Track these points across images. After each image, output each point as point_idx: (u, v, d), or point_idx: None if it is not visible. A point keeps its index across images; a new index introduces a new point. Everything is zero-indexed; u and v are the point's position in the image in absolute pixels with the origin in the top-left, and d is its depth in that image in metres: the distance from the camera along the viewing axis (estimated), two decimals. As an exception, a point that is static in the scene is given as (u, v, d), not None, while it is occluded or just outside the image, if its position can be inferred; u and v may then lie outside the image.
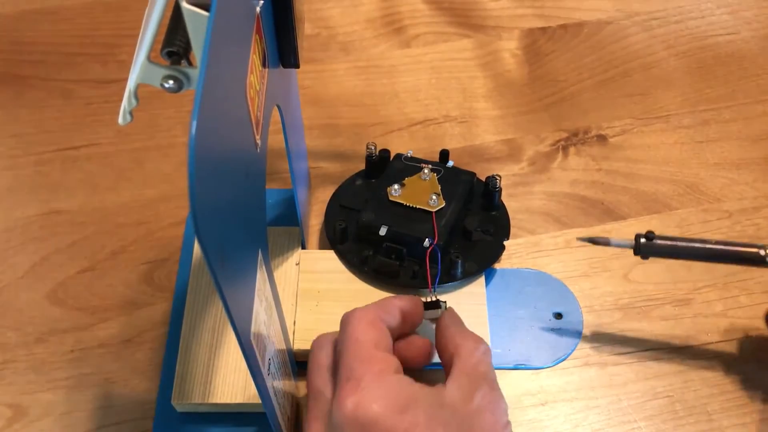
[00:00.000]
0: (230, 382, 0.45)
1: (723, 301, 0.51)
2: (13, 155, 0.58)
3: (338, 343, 0.39)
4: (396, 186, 0.50)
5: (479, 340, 0.41)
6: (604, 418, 0.46)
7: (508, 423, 0.38)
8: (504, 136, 0.60)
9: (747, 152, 0.59)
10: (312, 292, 0.49)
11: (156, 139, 0.59)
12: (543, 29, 0.68)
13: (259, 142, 0.35)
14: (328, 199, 0.54)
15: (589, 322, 0.50)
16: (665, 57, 0.66)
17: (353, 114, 0.62)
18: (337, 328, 0.41)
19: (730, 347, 0.49)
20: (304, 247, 0.52)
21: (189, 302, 0.48)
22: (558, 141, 0.60)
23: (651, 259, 0.52)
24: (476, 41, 0.67)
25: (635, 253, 0.44)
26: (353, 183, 0.55)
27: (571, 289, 0.51)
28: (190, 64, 0.33)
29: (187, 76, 0.33)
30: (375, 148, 0.54)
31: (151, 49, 0.33)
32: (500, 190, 0.52)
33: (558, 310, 0.50)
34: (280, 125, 0.44)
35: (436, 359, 0.42)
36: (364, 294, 0.49)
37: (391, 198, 0.50)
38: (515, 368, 0.48)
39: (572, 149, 0.59)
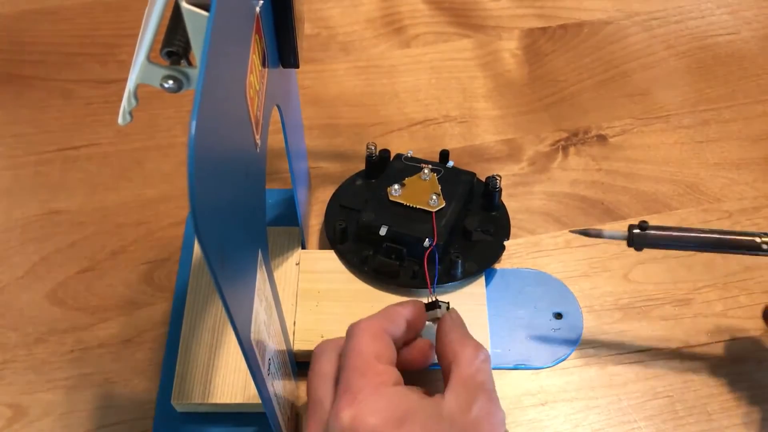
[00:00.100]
0: (230, 382, 0.45)
1: (723, 301, 0.51)
2: (13, 155, 0.58)
3: (342, 355, 0.39)
4: (396, 186, 0.50)
5: (478, 347, 0.40)
6: (604, 418, 0.46)
7: None
8: (504, 136, 0.60)
9: (747, 152, 0.59)
10: (312, 292, 0.49)
11: (156, 139, 0.59)
12: (543, 29, 0.68)
13: (258, 142, 0.35)
14: (328, 199, 0.54)
15: (589, 322, 0.50)
16: (665, 57, 0.66)
17: (353, 114, 0.62)
18: (337, 328, 0.41)
19: (730, 347, 0.49)
20: (304, 247, 0.52)
21: (189, 302, 0.48)
22: (558, 141, 0.60)
23: (651, 258, 0.53)
24: (476, 41, 0.67)
25: (628, 245, 0.42)
26: (353, 183, 0.55)
27: (571, 289, 0.51)
28: (189, 64, 0.33)
29: (187, 76, 0.33)
30: (375, 148, 0.54)
31: (151, 49, 0.33)
32: (500, 190, 0.52)
33: (558, 310, 0.50)
34: (280, 125, 0.44)
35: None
36: (364, 294, 0.49)
37: (391, 198, 0.50)
38: (515, 368, 0.48)
39: (572, 149, 0.59)
